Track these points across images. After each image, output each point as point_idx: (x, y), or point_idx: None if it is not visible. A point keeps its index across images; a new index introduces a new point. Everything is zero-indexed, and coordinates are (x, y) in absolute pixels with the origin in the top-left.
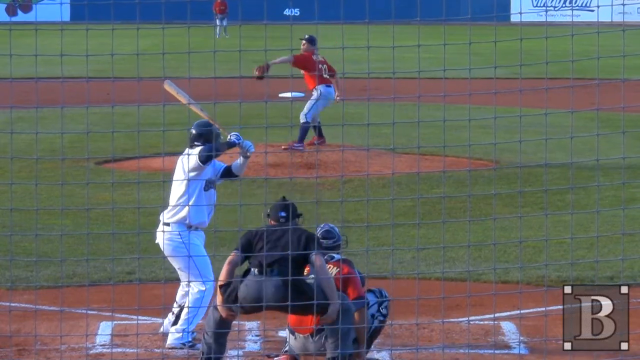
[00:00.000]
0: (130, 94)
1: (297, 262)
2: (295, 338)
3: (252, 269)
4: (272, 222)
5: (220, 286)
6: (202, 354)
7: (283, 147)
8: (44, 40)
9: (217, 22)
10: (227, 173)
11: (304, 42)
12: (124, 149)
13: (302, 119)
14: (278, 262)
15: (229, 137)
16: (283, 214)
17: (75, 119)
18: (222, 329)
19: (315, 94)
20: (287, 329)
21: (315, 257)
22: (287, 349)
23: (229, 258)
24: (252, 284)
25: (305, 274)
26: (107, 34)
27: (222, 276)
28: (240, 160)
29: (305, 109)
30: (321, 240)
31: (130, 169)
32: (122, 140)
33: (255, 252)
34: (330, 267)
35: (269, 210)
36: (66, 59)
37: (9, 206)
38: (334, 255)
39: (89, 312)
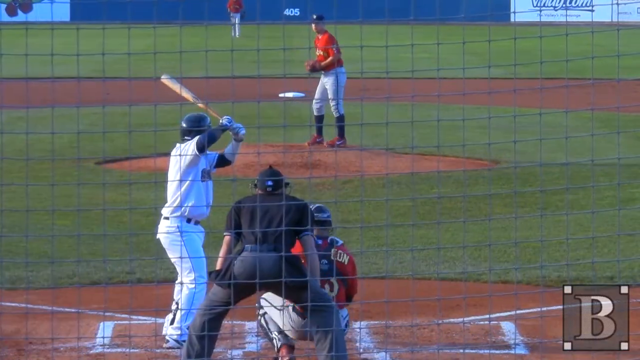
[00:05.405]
0: (130, 94)
1: (290, 235)
2: (297, 315)
3: (246, 245)
4: (259, 191)
5: (215, 271)
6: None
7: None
8: (45, 40)
9: (234, 20)
10: (221, 160)
11: (318, 21)
12: (124, 148)
13: (337, 113)
14: (272, 235)
15: (220, 120)
16: (270, 182)
17: (74, 118)
18: (207, 332)
19: (331, 78)
20: (283, 310)
21: (307, 238)
22: (281, 342)
23: (225, 239)
24: (248, 259)
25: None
26: (107, 34)
27: (222, 253)
28: (232, 144)
29: (334, 102)
30: (316, 214)
31: (131, 168)
32: (121, 140)
33: (244, 226)
34: (337, 253)
35: (255, 180)
36: (63, 59)
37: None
38: (337, 239)
39: (89, 312)
